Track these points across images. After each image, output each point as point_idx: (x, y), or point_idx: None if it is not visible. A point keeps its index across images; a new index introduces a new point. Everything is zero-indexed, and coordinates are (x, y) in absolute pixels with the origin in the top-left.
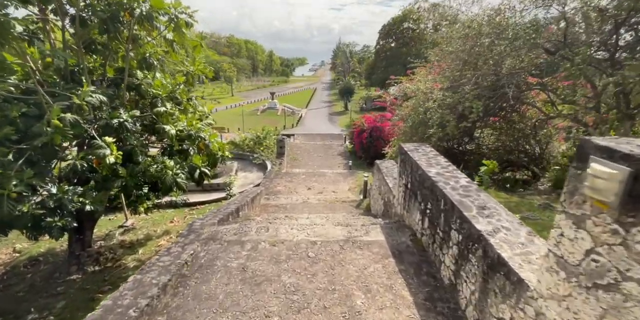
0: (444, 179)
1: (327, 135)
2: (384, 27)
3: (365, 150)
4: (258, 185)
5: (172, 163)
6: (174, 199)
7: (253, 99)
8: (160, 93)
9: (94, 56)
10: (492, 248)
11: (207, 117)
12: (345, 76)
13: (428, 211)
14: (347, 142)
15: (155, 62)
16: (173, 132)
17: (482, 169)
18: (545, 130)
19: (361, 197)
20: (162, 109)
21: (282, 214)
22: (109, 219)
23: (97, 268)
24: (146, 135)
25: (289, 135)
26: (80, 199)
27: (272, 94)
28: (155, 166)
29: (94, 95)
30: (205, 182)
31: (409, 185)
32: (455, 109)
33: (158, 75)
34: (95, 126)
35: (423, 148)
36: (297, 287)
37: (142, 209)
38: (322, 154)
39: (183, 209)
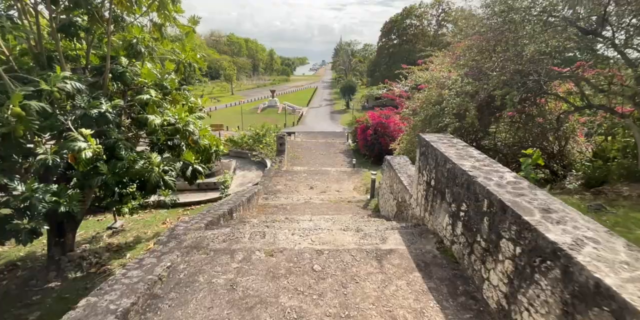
0: (484, 173)
1: (329, 133)
2: (386, 24)
3: (370, 147)
4: (257, 184)
5: (158, 159)
6: (162, 198)
7: (253, 98)
8: (147, 81)
9: (77, 44)
10: (584, 269)
11: (200, 109)
12: (347, 75)
13: (462, 214)
14: (349, 140)
15: (143, 49)
16: (158, 121)
17: (523, 161)
18: (567, 125)
19: (368, 196)
20: (146, 96)
21: (282, 216)
22: (98, 220)
23: (78, 274)
24: (136, 130)
25: (289, 133)
26: (53, 199)
27: (273, 91)
28: (141, 162)
29: (68, 81)
30: (200, 180)
31: (432, 183)
32: (477, 97)
33: (149, 65)
34: (73, 117)
35: (448, 138)
36: (300, 312)
37: (126, 210)
38: (324, 152)
39: (177, 210)
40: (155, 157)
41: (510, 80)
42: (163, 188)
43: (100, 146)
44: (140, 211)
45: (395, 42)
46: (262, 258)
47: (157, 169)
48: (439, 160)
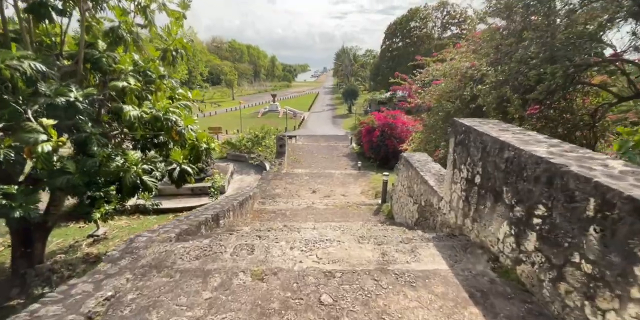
0: (574, 160)
1: (332, 137)
2: (390, 26)
3: (376, 150)
4: (255, 188)
5: (136, 156)
6: (142, 201)
7: (254, 103)
8: (124, 68)
9: (53, 29)
10: None
11: (192, 101)
12: (349, 79)
13: (537, 221)
14: (353, 144)
15: (125, 35)
16: (135, 113)
17: (620, 143)
18: (601, 122)
19: (379, 201)
20: (122, 83)
21: (280, 223)
22: (79, 227)
23: (46, 290)
24: (121, 127)
25: (290, 137)
26: (4, 202)
27: (274, 96)
28: (120, 160)
29: (26, 60)
30: (191, 184)
31: (476, 180)
32: (515, 83)
33: (136, 56)
34: (36, 106)
35: (494, 122)
36: None
37: (97, 215)
38: (327, 155)
39: (167, 215)
40: (133, 155)
41: (555, 56)
42: (142, 190)
43: (63, 139)
44: (125, 217)
45: (399, 44)
46: (247, 284)
47: (134, 168)
48: (489, 148)
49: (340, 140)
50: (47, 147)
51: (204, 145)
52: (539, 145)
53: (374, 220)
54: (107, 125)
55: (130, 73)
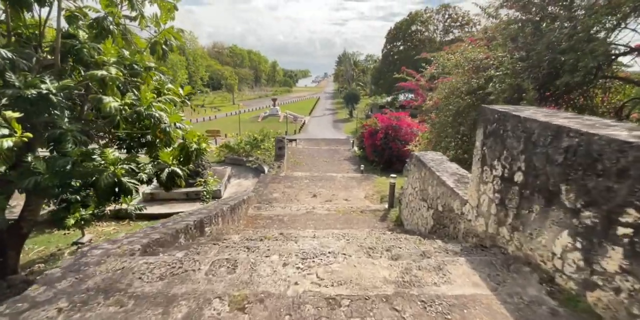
0: None
1: (333, 140)
2: (390, 31)
3: (379, 153)
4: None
5: (115, 155)
6: (124, 206)
7: (254, 107)
8: (106, 59)
9: (31, 19)
10: None
11: (184, 100)
12: (350, 84)
13: (627, 231)
14: (355, 147)
15: (111, 27)
16: (115, 104)
17: None
18: (624, 120)
19: (385, 206)
20: (101, 72)
21: (276, 230)
22: (64, 234)
23: None
24: (110, 127)
25: (291, 140)
26: None
27: (274, 100)
28: (99, 160)
29: None
30: (184, 189)
31: (516, 178)
32: (537, 73)
33: (126, 52)
34: (4, 99)
35: (534, 108)
36: None
37: (71, 222)
38: (328, 159)
39: (159, 221)
40: (111, 153)
41: (587, 39)
42: (123, 193)
43: (29, 134)
44: (114, 223)
45: (401, 48)
46: (222, 315)
47: (112, 168)
48: (536, 137)
49: (342, 144)
50: (8, 142)
51: (194, 145)
52: (613, 129)
53: (381, 227)
54: (92, 124)
55: (114, 65)
